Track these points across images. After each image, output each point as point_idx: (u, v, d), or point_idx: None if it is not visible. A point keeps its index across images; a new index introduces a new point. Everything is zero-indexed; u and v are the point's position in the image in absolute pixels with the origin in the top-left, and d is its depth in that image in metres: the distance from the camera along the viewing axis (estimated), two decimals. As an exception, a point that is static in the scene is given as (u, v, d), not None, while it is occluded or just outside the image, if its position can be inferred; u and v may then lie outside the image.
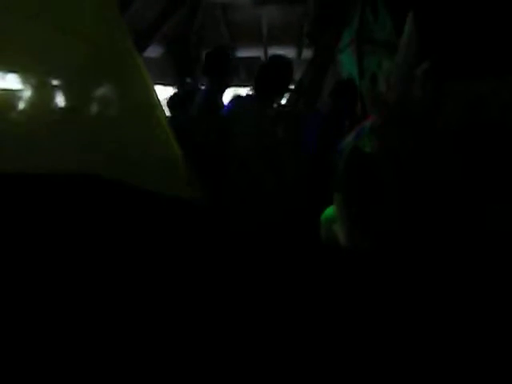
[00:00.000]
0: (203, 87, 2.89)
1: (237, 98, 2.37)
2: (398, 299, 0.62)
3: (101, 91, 1.06)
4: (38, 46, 0.96)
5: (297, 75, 3.02)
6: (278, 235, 0.72)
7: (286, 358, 0.55)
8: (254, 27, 6.26)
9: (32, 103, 0.98)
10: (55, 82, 1.01)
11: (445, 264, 0.74)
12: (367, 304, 0.60)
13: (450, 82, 1.41)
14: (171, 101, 3.68)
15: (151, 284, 0.60)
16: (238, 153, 2.08)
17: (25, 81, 0.97)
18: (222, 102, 2.66)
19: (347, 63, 3.60)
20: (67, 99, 1.02)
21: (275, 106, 2.37)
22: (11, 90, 0.95)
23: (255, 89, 2.34)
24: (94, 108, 1.05)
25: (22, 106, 0.97)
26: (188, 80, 6.51)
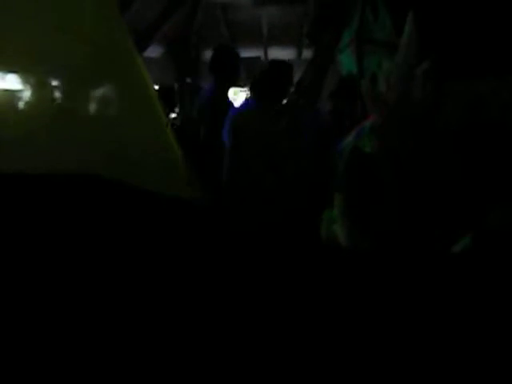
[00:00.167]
0: (207, 85, 2.90)
1: (238, 109, 2.39)
2: (397, 299, 0.62)
3: (100, 91, 1.06)
4: (37, 46, 0.96)
5: (297, 75, 3.02)
6: (279, 235, 0.72)
7: (286, 357, 0.55)
8: (253, 27, 6.26)
9: (31, 103, 0.98)
10: (54, 82, 1.01)
11: (445, 264, 0.74)
12: (367, 304, 0.60)
13: (450, 81, 1.40)
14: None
15: (151, 284, 0.60)
16: (240, 152, 2.08)
17: (24, 81, 0.97)
18: (227, 100, 2.66)
19: (347, 63, 3.59)
20: (66, 99, 1.02)
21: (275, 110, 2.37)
22: (10, 91, 0.95)
23: (256, 95, 2.34)
24: (94, 108, 1.05)
25: (21, 106, 0.97)
26: (188, 80, 6.51)
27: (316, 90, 3.04)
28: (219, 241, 0.65)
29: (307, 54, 5.65)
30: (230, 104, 2.69)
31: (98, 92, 1.06)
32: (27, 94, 0.98)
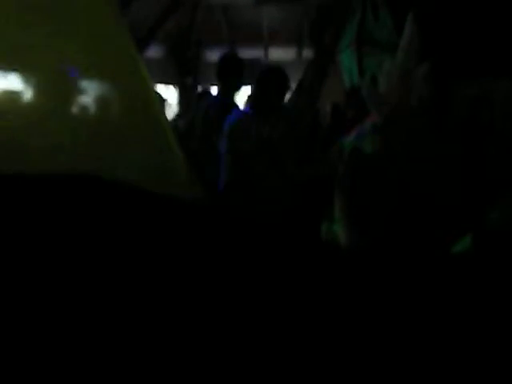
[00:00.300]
0: (215, 90, 3.00)
1: (235, 116, 2.40)
2: (397, 299, 0.62)
3: (100, 91, 1.06)
4: (36, 46, 0.96)
5: (297, 75, 3.03)
6: (279, 234, 0.72)
7: (286, 356, 0.55)
8: (254, 27, 6.27)
9: (31, 103, 0.98)
10: (53, 82, 1.01)
11: (445, 264, 0.74)
12: (366, 304, 0.60)
13: (449, 82, 1.41)
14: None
15: (152, 284, 0.60)
16: (239, 152, 2.08)
17: (23, 80, 0.97)
18: (235, 104, 2.75)
19: (347, 63, 3.60)
20: (66, 99, 1.02)
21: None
22: (10, 90, 0.95)
23: (252, 105, 2.38)
24: (94, 108, 1.05)
25: (20, 105, 0.97)
26: (188, 80, 6.51)
27: (316, 90, 3.04)
28: (219, 241, 0.65)
29: (307, 53, 5.66)
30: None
31: (98, 92, 1.06)
32: (26, 94, 0.98)
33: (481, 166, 1.25)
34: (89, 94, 1.04)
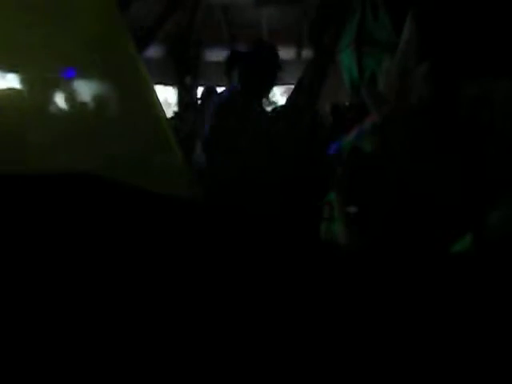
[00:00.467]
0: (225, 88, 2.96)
1: (221, 94, 2.24)
2: (396, 299, 0.62)
3: (100, 91, 1.06)
4: (36, 46, 0.96)
5: (297, 75, 3.02)
6: (278, 233, 0.72)
7: (283, 354, 0.55)
8: (253, 27, 6.27)
9: (30, 103, 0.98)
10: (53, 82, 1.01)
11: (444, 264, 0.74)
12: (365, 303, 0.60)
13: (449, 81, 1.41)
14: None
15: (151, 283, 0.60)
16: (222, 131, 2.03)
17: (23, 80, 0.97)
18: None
19: (347, 63, 3.60)
20: (66, 99, 1.02)
21: (264, 100, 2.22)
22: (9, 90, 0.95)
23: (240, 83, 2.14)
24: (94, 108, 1.05)
25: (20, 105, 0.97)
26: (188, 80, 6.51)
27: (316, 90, 3.04)
28: (219, 240, 0.65)
29: (307, 53, 5.65)
30: None
31: (98, 92, 1.05)
32: (26, 93, 0.98)
33: (481, 166, 1.25)
34: (88, 93, 1.04)
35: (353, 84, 3.55)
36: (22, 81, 0.96)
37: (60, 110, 1.02)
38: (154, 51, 5.50)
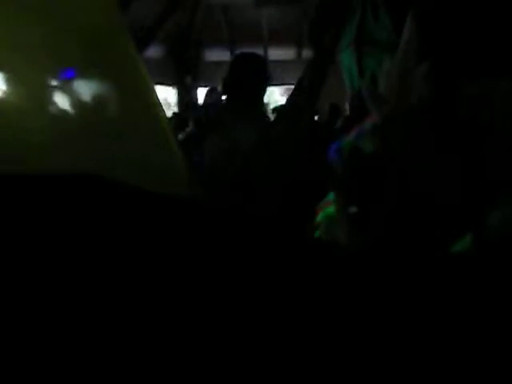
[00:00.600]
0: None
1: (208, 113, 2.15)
2: (395, 299, 0.62)
3: (99, 91, 1.06)
4: (35, 46, 0.96)
5: (297, 75, 3.02)
6: (278, 234, 0.72)
7: (282, 355, 0.55)
8: (253, 27, 6.27)
9: (29, 103, 0.98)
10: (52, 82, 1.01)
11: (444, 264, 0.74)
12: (364, 303, 0.60)
13: (449, 82, 1.41)
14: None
15: (151, 283, 0.60)
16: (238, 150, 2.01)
17: (22, 80, 0.97)
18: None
19: (347, 63, 3.60)
20: (64, 99, 1.02)
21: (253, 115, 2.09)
22: (9, 90, 0.95)
23: (226, 96, 2.05)
24: (93, 108, 1.05)
25: (18, 106, 0.97)
26: (187, 80, 6.52)
27: (316, 90, 3.04)
28: (219, 241, 0.65)
29: (307, 53, 5.66)
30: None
31: (98, 92, 1.06)
32: (24, 94, 0.98)
33: (481, 166, 1.25)
34: (88, 94, 1.04)
35: (353, 84, 3.55)
36: (21, 81, 0.96)
37: (59, 110, 1.02)
38: (154, 51, 5.50)
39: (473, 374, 0.55)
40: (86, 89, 1.04)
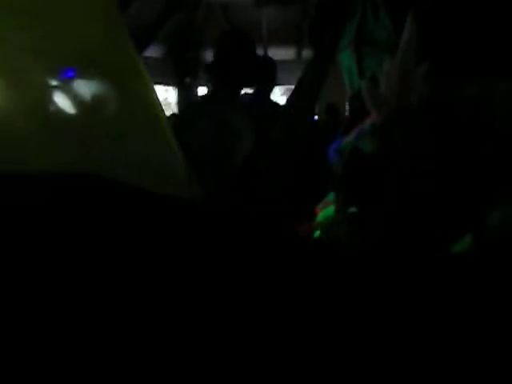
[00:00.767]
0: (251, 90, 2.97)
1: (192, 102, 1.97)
2: (395, 299, 0.62)
3: (99, 91, 1.06)
4: (35, 46, 0.96)
5: (297, 75, 3.02)
6: (278, 234, 0.72)
7: (285, 356, 0.55)
8: (253, 27, 6.26)
9: (30, 103, 0.98)
10: (52, 83, 1.01)
11: (444, 264, 0.74)
12: (364, 303, 0.60)
13: (449, 82, 1.41)
14: None
15: (151, 284, 0.60)
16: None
17: (22, 81, 0.97)
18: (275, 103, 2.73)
19: (347, 63, 3.59)
20: (65, 99, 1.02)
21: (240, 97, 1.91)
22: (8, 90, 0.95)
23: (211, 79, 1.81)
24: (93, 108, 1.05)
25: (18, 106, 0.97)
26: (187, 80, 6.51)
27: (316, 90, 3.03)
28: (219, 241, 0.65)
29: (307, 53, 5.65)
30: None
31: (97, 92, 1.06)
32: (27, 95, 0.98)
33: (481, 166, 1.25)
34: (87, 94, 1.04)
35: (353, 84, 3.54)
36: (20, 81, 0.96)
37: (58, 109, 1.02)
38: (153, 51, 5.50)
39: (473, 374, 0.55)
40: (85, 89, 1.04)
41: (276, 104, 2.86)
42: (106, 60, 1.03)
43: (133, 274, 0.59)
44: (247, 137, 1.79)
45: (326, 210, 1.73)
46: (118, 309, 0.57)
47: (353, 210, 1.47)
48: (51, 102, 1.01)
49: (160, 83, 5.98)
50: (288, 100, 3.09)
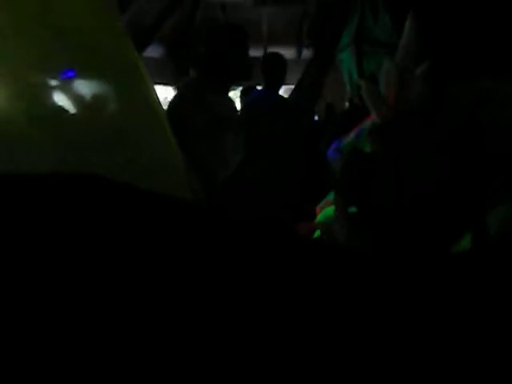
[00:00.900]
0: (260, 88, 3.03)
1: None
2: (395, 299, 0.62)
3: (99, 91, 1.06)
4: (36, 46, 0.96)
5: (297, 75, 3.03)
6: (278, 234, 0.72)
7: (284, 357, 0.55)
8: (253, 27, 6.26)
9: (30, 103, 0.98)
10: (52, 83, 1.01)
11: (444, 264, 0.74)
12: (364, 303, 0.60)
13: (448, 83, 1.41)
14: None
15: (151, 284, 0.60)
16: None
17: (23, 81, 0.97)
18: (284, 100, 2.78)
19: (347, 63, 3.60)
20: (64, 100, 1.02)
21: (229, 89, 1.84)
22: (11, 91, 0.95)
23: (198, 72, 1.77)
24: (93, 108, 1.05)
25: (19, 106, 0.97)
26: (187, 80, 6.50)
27: (316, 90, 3.04)
28: (219, 242, 0.65)
29: (307, 53, 5.65)
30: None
31: (97, 92, 1.05)
32: (27, 95, 0.98)
33: (481, 167, 1.25)
34: (87, 94, 1.04)
35: (352, 84, 3.55)
36: (20, 81, 0.96)
37: (57, 109, 1.02)
38: (153, 51, 5.50)
39: (474, 374, 0.55)
40: (85, 89, 1.04)
41: (285, 100, 2.89)
42: (106, 60, 1.03)
43: (135, 274, 0.59)
44: (236, 137, 1.75)
45: (326, 210, 1.73)
46: (119, 309, 0.57)
47: (352, 209, 1.47)
48: (51, 101, 1.01)
49: (160, 83, 5.98)
50: (288, 100, 3.10)
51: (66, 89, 1.01)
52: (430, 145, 1.34)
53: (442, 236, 1.22)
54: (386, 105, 1.52)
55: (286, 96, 3.17)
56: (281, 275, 0.61)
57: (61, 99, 1.02)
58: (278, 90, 2.87)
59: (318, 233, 1.77)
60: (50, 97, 1.02)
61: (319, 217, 1.78)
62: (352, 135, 1.73)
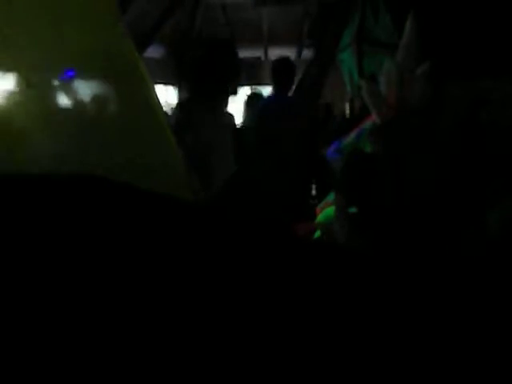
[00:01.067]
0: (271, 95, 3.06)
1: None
2: (395, 299, 0.62)
3: (99, 91, 1.06)
4: (36, 46, 0.96)
5: (297, 75, 3.03)
6: (278, 235, 0.72)
7: (284, 358, 0.55)
8: (253, 27, 6.27)
9: (31, 104, 0.98)
10: (53, 83, 1.01)
11: (444, 265, 0.74)
12: (363, 303, 0.60)
13: (449, 83, 1.41)
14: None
15: (151, 285, 0.60)
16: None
17: (24, 81, 0.97)
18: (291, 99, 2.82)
19: (347, 63, 3.60)
20: (65, 100, 1.02)
21: (224, 108, 1.85)
22: (12, 91, 0.95)
23: (190, 88, 1.80)
24: (93, 108, 1.05)
25: (20, 106, 0.97)
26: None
27: (317, 89, 3.04)
28: (220, 242, 0.65)
29: (307, 53, 5.66)
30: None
31: (97, 92, 1.05)
32: (28, 95, 0.98)
33: (481, 167, 1.25)
34: (88, 94, 1.04)
35: (353, 84, 3.55)
36: (20, 81, 0.96)
37: (58, 109, 1.02)
38: (154, 51, 5.50)
39: (474, 374, 0.55)
40: (85, 89, 1.04)
41: (294, 102, 2.90)
42: (106, 60, 1.03)
43: (135, 274, 0.59)
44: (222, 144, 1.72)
45: (326, 210, 1.74)
46: (119, 308, 0.57)
47: (353, 209, 1.47)
48: (52, 101, 1.01)
49: (160, 83, 5.98)
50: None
51: (66, 89, 1.01)
52: (430, 145, 1.34)
53: (442, 235, 1.22)
54: (387, 105, 1.52)
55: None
56: (281, 275, 0.61)
57: (61, 99, 1.03)
58: (288, 93, 2.89)
59: (318, 233, 1.77)
60: (50, 97, 1.02)
61: (319, 217, 1.79)
62: (352, 135, 1.73)
